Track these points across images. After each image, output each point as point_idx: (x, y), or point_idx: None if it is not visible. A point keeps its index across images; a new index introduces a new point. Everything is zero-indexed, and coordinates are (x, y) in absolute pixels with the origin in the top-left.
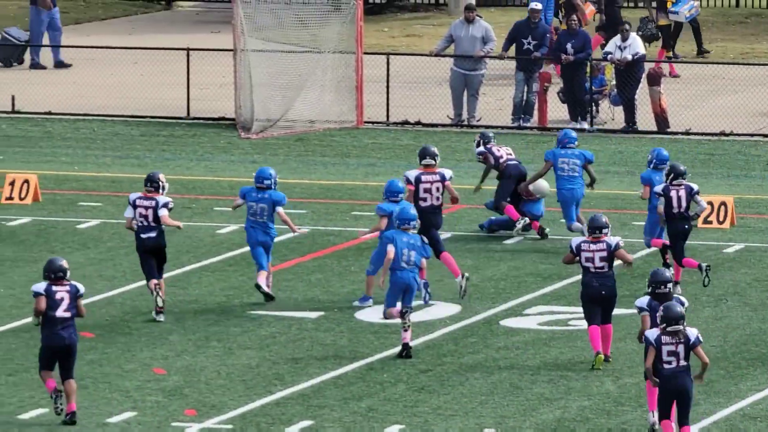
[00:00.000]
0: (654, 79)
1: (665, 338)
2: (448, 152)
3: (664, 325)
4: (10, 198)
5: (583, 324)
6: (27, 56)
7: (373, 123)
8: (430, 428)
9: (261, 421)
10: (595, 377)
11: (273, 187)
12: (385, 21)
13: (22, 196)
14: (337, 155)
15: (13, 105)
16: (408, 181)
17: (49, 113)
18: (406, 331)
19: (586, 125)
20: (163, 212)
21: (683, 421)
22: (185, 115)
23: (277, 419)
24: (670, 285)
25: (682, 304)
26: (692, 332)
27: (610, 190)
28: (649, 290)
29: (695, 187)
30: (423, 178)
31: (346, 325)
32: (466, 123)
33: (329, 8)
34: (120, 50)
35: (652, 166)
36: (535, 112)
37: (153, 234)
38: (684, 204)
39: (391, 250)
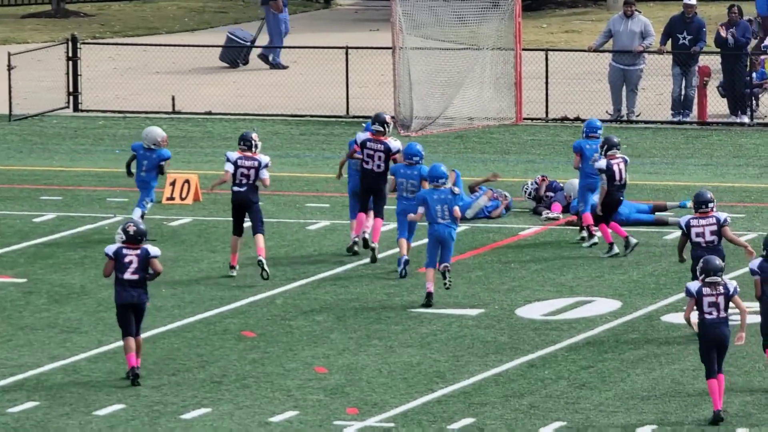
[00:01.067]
0: None
1: (705, 290)
2: None
3: (703, 276)
4: (171, 198)
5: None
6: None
7: (532, 119)
8: (591, 425)
9: (423, 419)
10: (758, 372)
11: (421, 162)
12: (544, 17)
13: (183, 196)
14: (497, 152)
15: (173, 105)
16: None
17: (210, 113)
18: (447, 288)
19: (746, 119)
20: (264, 174)
21: (719, 368)
22: (345, 114)
23: (438, 417)
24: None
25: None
26: (731, 284)
27: None
28: (765, 254)
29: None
30: (368, 144)
31: (507, 322)
32: (625, 118)
33: (487, 4)
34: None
35: (584, 135)
36: (695, 107)
37: (243, 189)
38: (624, 176)
39: (419, 211)
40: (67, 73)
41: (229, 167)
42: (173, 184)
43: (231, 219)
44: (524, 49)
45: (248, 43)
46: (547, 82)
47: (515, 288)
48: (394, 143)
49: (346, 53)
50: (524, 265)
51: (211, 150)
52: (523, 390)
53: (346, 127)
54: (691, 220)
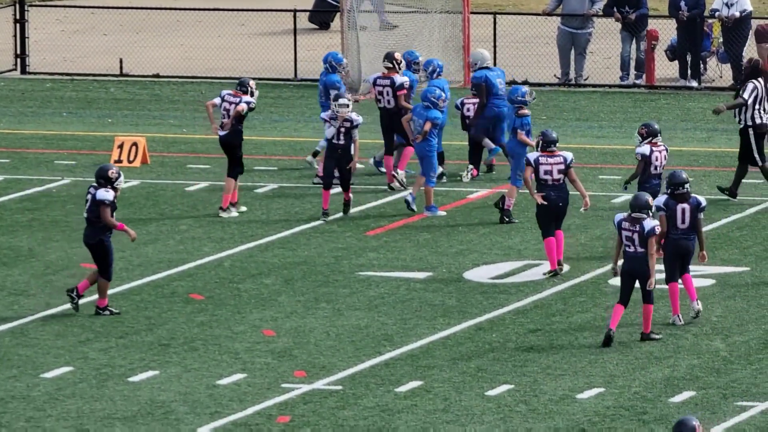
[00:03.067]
0: (762, 36)
1: (625, 223)
2: (556, 111)
3: (629, 211)
4: (119, 161)
5: (696, 283)
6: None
7: None
8: (539, 387)
9: (370, 381)
10: (705, 336)
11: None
12: None
13: (131, 158)
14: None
15: (121, 68)
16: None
17: (157, 76)
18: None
19: (695, 83)
20: (241, 106)
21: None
22: (292, 77)
23: (386, 380)
24: (687, 185)
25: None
26: (649, 223)
27: (719, 148)
28: (668, 191)
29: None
30: (378, 81)
31: (455, 285)
32: (573, 82)
33: None
34: (227, 12)
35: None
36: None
37: (225, 131)
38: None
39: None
40: (15, 35)
41: (216, 101)
42: (121, 146)
43: (180, 183)
44: (472, 12)
45: (336, 4)
46: (495, 46)
47: (463, 251)
48: (400, 78)
49: (294, 15)
50: (472, 228)
51: (159, 113)
52: (470, 353)
53: (294, 90)
54: (539, 158)
